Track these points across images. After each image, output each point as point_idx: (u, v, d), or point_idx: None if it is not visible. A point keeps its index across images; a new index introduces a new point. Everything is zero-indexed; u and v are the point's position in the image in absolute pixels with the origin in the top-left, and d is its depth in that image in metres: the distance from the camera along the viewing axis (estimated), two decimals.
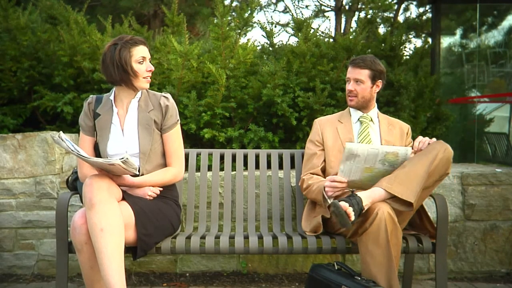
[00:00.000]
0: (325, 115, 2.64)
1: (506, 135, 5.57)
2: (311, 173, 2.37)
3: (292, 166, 2.66)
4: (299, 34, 3.66)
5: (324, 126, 2.45)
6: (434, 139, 2.12)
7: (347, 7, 9.06)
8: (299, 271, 2.90)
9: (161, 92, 2.36)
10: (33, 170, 2.84)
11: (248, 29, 3.87)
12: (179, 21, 3.85)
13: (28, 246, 2.85)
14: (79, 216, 1.86)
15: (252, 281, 2.81)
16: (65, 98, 3.35)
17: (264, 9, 10.08)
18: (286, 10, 10.47)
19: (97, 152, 2.14)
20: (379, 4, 4.16)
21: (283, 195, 2.58)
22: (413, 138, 2.39)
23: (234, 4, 4.30)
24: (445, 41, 5.81)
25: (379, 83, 2.41)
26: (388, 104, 3.51)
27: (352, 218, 1.87)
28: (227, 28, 3.39)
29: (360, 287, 1.87)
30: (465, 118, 5.30)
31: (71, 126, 3.54)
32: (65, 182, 2.37)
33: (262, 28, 3.81)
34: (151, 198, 2.07)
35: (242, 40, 3.72)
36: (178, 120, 2.19)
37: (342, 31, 8.67)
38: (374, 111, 2.47)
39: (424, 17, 9.08)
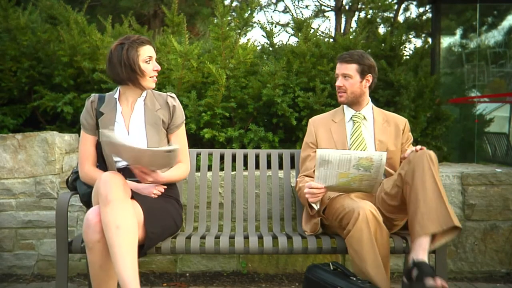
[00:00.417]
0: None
1: (506, 135, 5.57)
2: (304, 175, 2.38)
3: (292, 166, 2.66)
4: (299, 34, 3.66)
5: (318, 127, 2.43)
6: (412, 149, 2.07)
7: (347, 7, 9.06)
8: (299, 271, 2.90)
9: (161, 91, 2.36)
10: (33, 170, 2.84)
11: (248, 29, 3.87)
12: (179, 21, 3.85)
13: (28, 246, 2.85)
14: (94, 214, 1.83)
15: (252, 281, 2.81)
16: (65, 98, 3.35)
17: (264, 9, 10.09)
18: (286, 10, 10.48)
19: (99, 151, 2.13)
20: (379, 4, 4.16)
21: (283, 195, 2.58)
22: (414, 139, 2.39)
23: (234, 4, 4.30)
24: (445, 41, 5.81)
25: (369, 77, 2.36)
26: (388, 104, 3.51)
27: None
28: (227, 28, 3.39)
29: (355, 287, 1.87)
30: (465, 118, 5.30)
31: (71, 126, 3.54)
32: (65, 182, 2.36)
33: (262, 28, 3.81)
34: (156, 196, 2.07)
35: (242, 40, 3.73)
36: (184, 119, 2.25)
37: (342, 31, 8.67)
38: (368, 108, 2.42)
39: (424, 17, 9.08)
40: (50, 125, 3.58)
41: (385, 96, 3.48)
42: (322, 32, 4.06)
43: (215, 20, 3.46)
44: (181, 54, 3.20)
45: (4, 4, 3.58)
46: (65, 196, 2.11)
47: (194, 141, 3.32)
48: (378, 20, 4.34)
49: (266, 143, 3.24)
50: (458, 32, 6.39)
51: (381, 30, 4.71)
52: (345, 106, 2.44)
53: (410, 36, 7.99)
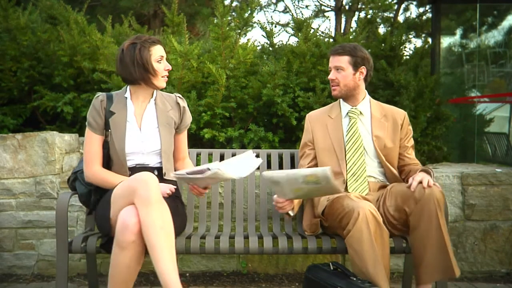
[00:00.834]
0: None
1: (506, 135, 5.57)
2: None
3: (292, 166, 2.66)
4: (299, 34, 3.66)
5: (315, 124, 2.41)
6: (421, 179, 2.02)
7: (347, 7, 9.05)
8: (299, 271, 2.90)
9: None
10: (33, 170, 2.84)
11: (248, 29, 3.87)
12: (179, 21, 3.85)
13: (28, 246, 2.85)
14: (132, 215, 1.80)
15: (252, 281, 2.81)
16: (65, 98, 3.35)
17: (264, 9, 10.08)
18: (286, 10, 10.47)
19: (106, 151, 2.12)
20: (379, 4, 4.16)
21: None
22: (414, 139, 2.38)
23: (234, 4, 4.30)
24: (445, 41, 5.81)
25: (363, 69, 2.30)
26: (388, 104, 3.51)
27: None
28: (227, 28, 3.39)
29: (355, 287, 1.87)
30: (465, 118, 5.29)
31: (71, 126, 3.54)
32: (65, 182, 2.37)
33: (262, 28, 3.81)
34: (167, 196, 2.07)
35: (242, 40, 3.73)
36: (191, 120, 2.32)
37: (342, 31, 8.66)
38: (364, 103, 2.37)
39: (424, 17, 9.08)
40: (50, 125, 3.59)
41: (385, 96, 3.48)
42: (322, 32, 4.05)
43: (215, 20, 3.46)
44: (181, 54, 3.20)
45: (4, 4, 3.58)
46: (65, 196, 2.11)
47: (194, 141, 3.32)
48: (378, 20, 4.34)
49: (266, 143, 3.24)
50: (458, 32, 6.39)
51: (381, 30, 4.71)
52: (341, 101, 2.40)
53: (410, 36, 7.98)
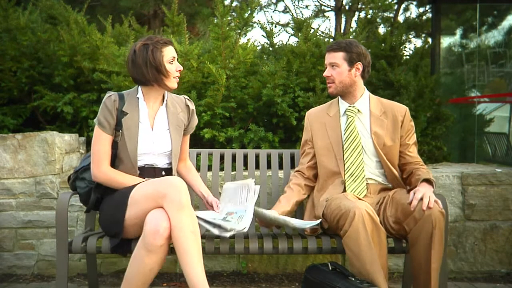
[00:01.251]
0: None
1: (506, 135, 5.58)
2: (297, 171, 2.41)
3: (292, 166, 2.66)
4: (299, 34, 3.66)
5: (313, 122, 2.39)
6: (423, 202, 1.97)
7: (347, 7, 9.05)
8: (299, 271, 2.90)
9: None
10: (33, 170, 2.84)
11: (248, 29, 3.87)
12: (179, 21, 3.85)
13: (28, 246, 2.85)
14: (164, 219, 1.81)
15: (252, 281, 2.81)
16: (65, 98, 3.35)
17: (264, 9, 10.07)
18: (286, 10, 10.46)
19: (114, 151, 2.10)
20: (379, 4, 4.16)
21: None
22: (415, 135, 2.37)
23: (234, 4, 4.30)
24: (445, 41, 5.82)
25: (359, 65, 2.25)
26: None
27: None
28: (227, 28, 3.39)
29: (354, 287, 1.87)
30: (465, 118, 5.29)
31: (71, 126, 3.54)
32: (65, 182, 2.37)
33: (262, 28, 3.81)
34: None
35: (242, 40, 3.73)
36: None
37: (342, 31, 8.65)
38: (363, 100, 2.31)
39: (424, 17, 9.07)
40: (50, 125, 3.59)
41: (385, 96, 3.47)
42: (322, 32, 4.04)
43: (215, 20, 3.46)
44: (181, 54, 3.20)
45: (4, 4, 3.58)
46: (65, 196, 2.11)
47: (194, 141, 3.32)
48: (378, 20, 4.34)
49: (266, 143, 3.24)
50: (458, 32, 6.40)
51: (381, 30, 4.72)
52: (340, 99, 2.36)
53: (410, 36, 7.99)
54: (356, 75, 2.27)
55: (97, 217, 2.41)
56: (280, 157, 2.68)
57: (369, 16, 4.06)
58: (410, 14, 10.14)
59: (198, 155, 2.67)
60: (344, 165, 2.25)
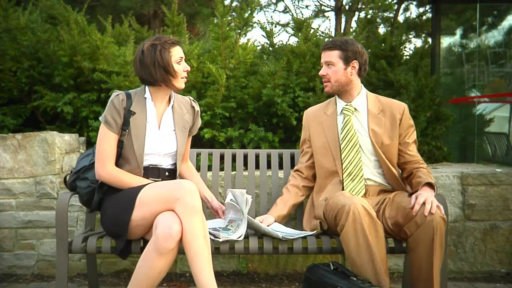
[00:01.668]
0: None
1: (506, 135, 5.58)
2: (296, 170, 2.42)
3: (292, 166, 2.65)
4: (299, 34, 3.66)
5: (311, 121, 2.38)
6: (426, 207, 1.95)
7: (347, 7, 9.05)
8: (299, 271, 2.90)
9: None
10: (33, 170, 2.84)
11: (248, 29, 3.87)
12: (179, 21, 3.85)
13: (28, 246, 2.85)
14: (176, 222, 1.82)
15: (252, 281, 2.81)
16: (65, 98, 3.35)
17: (264, 9, 10.08)
18: (286, 10, 10.48)
19: (120, 150, 2.10)
20: (379, 4, 4.16)
21: None
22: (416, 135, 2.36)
23: (234, 4, 4.30)
24: (445, 41, 5.82)
25: (355, 63, 2.23)
26: None
27: None
28: (227, 28, 3.39)
29: (356, 287, 1.87)
30: (465, 118, 5.29)
31: (71, 126, 3.54)
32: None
33: (262, 28, 3.81)
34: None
35: (242, 40, 3.73)
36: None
37: (342, 31, 8.66)
38: (360, 98, 2.29)
39: (424, 17, 9.08)
40: (50, 125, 3.59)
41: (385, 96, 3.48)
42: (322, 32, 4.04)
43: (215, 20, 3.46)
44: None
45: (4, 4, 3.58)
46: (65, 196, 2.11)
47: (194, 141, 3.30)
48: (378, 20, 4.34)
49: (266, 143, 3.24)
50: (458, 32, 6.40)
51: (381, 30, 4.73)
52: (337, 97, 2.34)
53: (410, 36, 8.00)
54: (352, 73, 2.26)
55: (97, 217, 2.41)
56: (280, 157, 2.68)
57: (369, 16, 4.07)
58: (410, 14, 10.17)
59: (198, 155, 2.67)
60: (342, 164, 2.24)
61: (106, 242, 2.06)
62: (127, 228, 1.92)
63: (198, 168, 2.71)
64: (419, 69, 3.80)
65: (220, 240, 2.03)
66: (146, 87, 2.16)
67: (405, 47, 3.70)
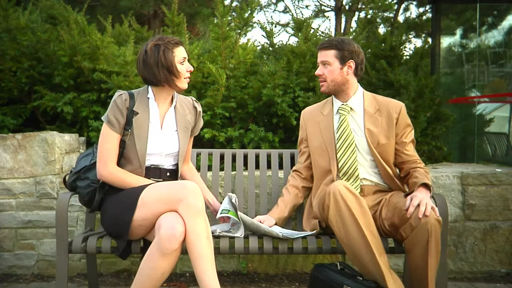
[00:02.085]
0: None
1: (506, 135, 5.58)
2: (295, 170, 2.43)
3: (292, 166, 2.65)
4: (299, 34, 3.66)
5: (308, 121, 2.38)
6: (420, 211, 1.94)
7: (347, 7, 9.05)
8: (299, 271, 2.90)
9: None
10: (33, 170, 2.84)
11: (248, 29, 3.87)
12: (179, 21, 3.85)
13: (28, 246, 2.85)
14: (180, 223, 1.82)
15: (252, 281, 2.81)
16: (65, 98, 3.35)
17: (264, 9, 10.09)
18: (286, 10, 10.48)
19: (121, 150, 2.09)
20: (379, 4, 4.16)
21: None
22: (415, 138, 2.36)
23: (234, 4, 4.30)
24: (445, 41, 5.82)
25: (351, 63, 2.22)
26: None
27: None
28: (227, 28, 3.39)
29: (362, 287, 1.87)
30: (465, 118, 5.29)
31: (71, 126, 3.54)
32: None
33: (262, 28, 3.81)
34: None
35: (242, 40, 3.73)
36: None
37: (342, 31, 8.66)
38: (356, 98, 2.28)
39: (424, 17, 9.08)
40: (50, 125, 3.59)
41: (385, 96, 3.48)
42: (322, 32, 4.04)
43: (215, 20, 3.47)
44: None
45: (4, 4, 3.58)
46: (65, 196, 2.11)
47: (194, 141, 3.29)
48: (378, 20, 4.35)
49: (266, 143, 3.24)
50: (458, 32, 6.40)
51: (381, 30, 4.73)
52: (333, 97, 2.34)
53: (410, 36, 8.00)
54: (349, 73, 2.25)
55: (97, 217, 2.41)
56: (280, 157, 2.68)
57: (369, 16, 4.07)
58: (410, 14, 10.17)
59: (198, 155, 2.67)
60: (338, 164, 2.24)
61: (106, 242, 2.06)
62: (128, 228, 1.92)
63: (198, 168, 2.71)
64: (419, 69, 3.80)
65: (216, 234, 2.07)
66: (149, 87, 2.16)
67: (405, 47, 3.71)
